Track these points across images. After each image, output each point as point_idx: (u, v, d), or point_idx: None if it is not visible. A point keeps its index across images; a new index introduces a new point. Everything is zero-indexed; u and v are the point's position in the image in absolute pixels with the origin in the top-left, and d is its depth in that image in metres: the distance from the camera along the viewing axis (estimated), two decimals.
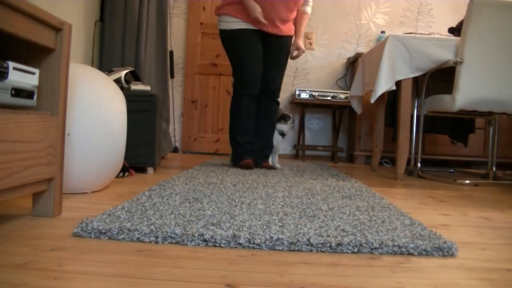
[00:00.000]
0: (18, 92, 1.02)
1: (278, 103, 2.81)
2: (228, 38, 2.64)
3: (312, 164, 3.37)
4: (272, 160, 2.85)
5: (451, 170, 3.39)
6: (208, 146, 4.22)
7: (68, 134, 1.43)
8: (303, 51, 2.82)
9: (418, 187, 2.31)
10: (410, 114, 2.64)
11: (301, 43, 2.79)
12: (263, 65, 2.69)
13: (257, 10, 2.50)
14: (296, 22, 2.77)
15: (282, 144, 2.89)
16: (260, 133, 2.74)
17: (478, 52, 2.35)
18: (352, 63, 4.07)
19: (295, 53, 2.79)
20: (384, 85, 2.52)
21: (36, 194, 1.16)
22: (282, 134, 2.81)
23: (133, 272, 0.79)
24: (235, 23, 2.60)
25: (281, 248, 0.97)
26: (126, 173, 2.08)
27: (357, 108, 3.22)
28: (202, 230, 1.01)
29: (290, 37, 2.76)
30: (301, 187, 1.87)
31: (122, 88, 2.29)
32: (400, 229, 1.12)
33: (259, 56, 2.65)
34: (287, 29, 2.70)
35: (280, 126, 2.80)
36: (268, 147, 2.76)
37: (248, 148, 2.70)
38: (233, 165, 2.76)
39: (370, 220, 1.22)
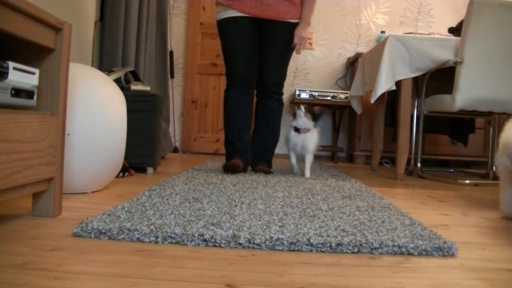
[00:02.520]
0: (18, 92, 1.02)
1: (278, 101, 2.45)
2: (219, 28, 2.43)
3: (312, 164, 3.36)
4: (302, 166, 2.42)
5: (451, 170, 3.39)
6: (208, 146, 4.22)
7: (68, 134, 1.43)
8: (304, 40, 2.35)
9: (418, 187, 2.31)
10: (410, 114, 2.64)
11: (301, 30, 2.34)
12: (260, 57, 2.40)
13: None
14: (302, 6, 2.37)
15: (304, 142, 2.33)
16: (258, 134, 2.46)
17: (478, 52, 2.35)
18: (352, 63, 4.07)
19: (295, 42, 2.35)
20: (384, 85, 2.52)
21: (36, 194, 1.16)
22: (296, 130, 2.35)
23: (133, 272, 0.79)
24: (224, 12, 2.37)
25: (281, 248, 0.97)
26: (126, 173, 2.08)
27: (357, 108, 3.22)
28: (202, 230, 1.01)
29: (292, 23, 2.36)
30: (301, 187, 1.87)
31: (122, 88, 2.29)
32: (400, 229, 1.12)
33: (249, 47, 2.36)
34: (286, 11, 2.33)
35: (292, 122, 2.38)
36: (268, 150, 2.45)
37: (239, 147, 2.39)
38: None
39: (370, 220, 1.22)
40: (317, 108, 2.39)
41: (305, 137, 2.33)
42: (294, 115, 2.37)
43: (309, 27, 2.38)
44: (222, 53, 2.45)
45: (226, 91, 2.44)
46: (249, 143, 2.45)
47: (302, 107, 2.35)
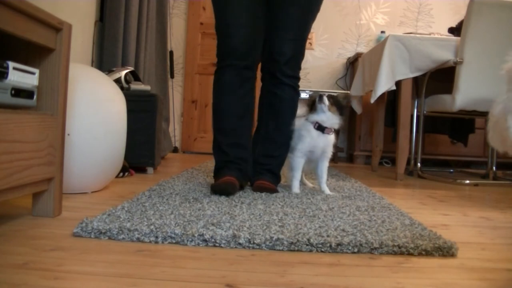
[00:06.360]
0: (18, 92, 1.02)
1: (293, 88, 1.75)
2: None
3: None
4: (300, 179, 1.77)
5: (451, 170, 3.39)
6: (208, 146, 4.18)
7: (68, 134, 1.43)
8: None
9: (418, 187, 2.31)
10: (410, 114, 2.64)
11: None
12: (267, 25, 1.71)
13: None
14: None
15: (327, 147, 1.73)
16: (262, 135, 1.79)
17: (478, 52, 2.35)
18: (352, 63, 4.07)
19: None
20: (384, 85, 2.52)
21: (36, 194, 1.16)
22: (320, 128, 1.70)
23: (133, 272, 0.79)
24: None
25: (281, 248, 0.96)
26: (126, 173, 2.08)
27: (357, 108, 3.23)
28: (202, 230, 1.01)
29: None
30: (301, 187, 1.87)
31: (122, 88, 2.29)
32: (400, 229, 1.12)
33: (253, 10, 1.66)
34: None
35: (313, 117, 1.71)
36: (275, 158, 1.76)
37: (233, 156, 1.69)
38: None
39: (370, 220, 1.22)
40: (341, 96, 1.78)
41: (329, 140, 1.72)
42: (311, 107, 1.73)
43: None
44: (215, 22, 1.72)
45: (217, 72, 1.72)
46: (249, 150, 1.77)
47: (325, 98, 1.69)
